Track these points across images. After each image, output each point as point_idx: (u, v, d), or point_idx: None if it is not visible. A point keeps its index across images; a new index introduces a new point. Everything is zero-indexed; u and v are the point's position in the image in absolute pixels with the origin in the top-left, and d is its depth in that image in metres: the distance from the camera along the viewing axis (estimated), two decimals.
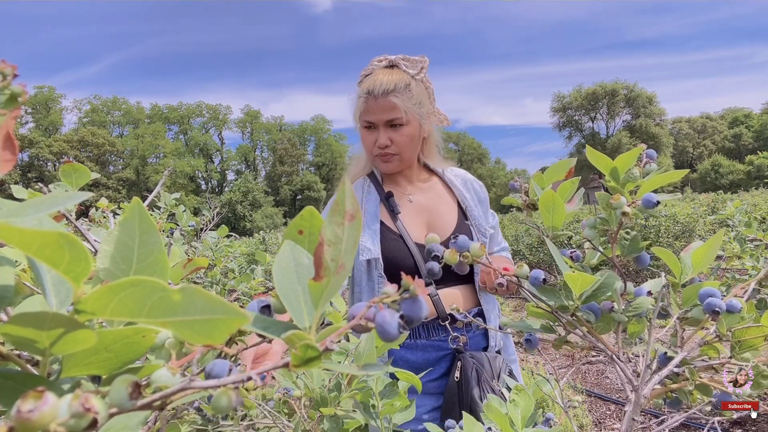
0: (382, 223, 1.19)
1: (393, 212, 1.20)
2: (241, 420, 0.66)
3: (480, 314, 1.19)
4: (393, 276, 1.16)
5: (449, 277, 1.17)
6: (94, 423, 0.17)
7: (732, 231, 2.33)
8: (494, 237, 1.30)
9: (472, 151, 58.12)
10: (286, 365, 0.20)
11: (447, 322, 1.14)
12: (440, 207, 1.23)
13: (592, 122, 49.65)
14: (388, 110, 1.12)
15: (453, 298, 1.18)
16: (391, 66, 1.16)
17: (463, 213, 1.24)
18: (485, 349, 1.20)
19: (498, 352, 1.20)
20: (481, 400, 1.02)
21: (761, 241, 2.16)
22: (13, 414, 0.15)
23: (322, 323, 0.30)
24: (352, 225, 0.22)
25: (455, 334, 1.15)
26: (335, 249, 0.22)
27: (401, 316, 0.23)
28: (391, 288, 0.24)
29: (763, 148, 46.00)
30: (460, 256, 0.52)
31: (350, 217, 0.22)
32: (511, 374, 1.15)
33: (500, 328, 1.21)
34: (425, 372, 0.88)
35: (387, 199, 1.22)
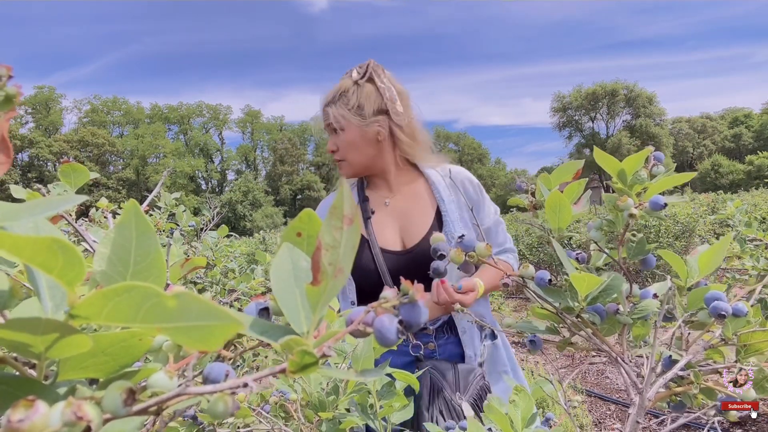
0: None
1: (364, 216, 1.21)
2: (239, 428, 0.65)
3: (449, 323, 1.15)
4: (357, 280, 1.17)
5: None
6: (87, 431, 0.17)
7: (732, 231, 2.33)
8: (493, 236, 1.25)
9: (472, 151, 58.09)
10: (282, 371, 0.20)
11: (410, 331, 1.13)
12: (415, 210, 1.21)
13: (592, 122, 49.64)
14: (325, 119, 1.19)
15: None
16: (348, 75, 1.19)
17: (440, 216, 1.20)
18: (462, 358, 1.14)
19: (481, 364, 1.14)
20: (428, 410, 1.00)
21: (761, 241, 2.16)
22: (3, 424, 0.15)
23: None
24: (351, 229, 0.22)
25: (417, 342, 1.12)
26: (333, 253, 0.21)
27: (400, 321, 0.22)
28: (390, 292, 0.24)
29: (763, 148, 45.97)
30: (465, 255, 0.52)
31: (348, 220, 0.21)
32: (483, 390, 1.07)
33: (492, 337, 1.17)
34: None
35: (362, 203, 1.23)
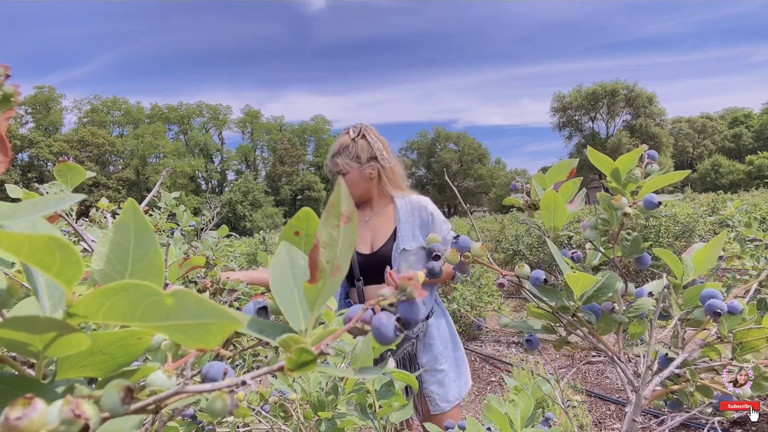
0: None
1: None
2: (238, 427, 0.65)
3: None
4: None
5: (373, 276, 1.60)
6: (86, 429, 0.17)
7: (732, 231, 2.32)
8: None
9: (472, 151, 57.85)
10: (281, 369, 0.20)
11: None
12: (380, 227, 1.67)
13: (592, 122, 49.61)
14: (334, 167, 1.68)
15: (374, 294, 1.51)
16: (345, 133, 1.69)
17: (396, 232, 1.63)
18: None
19: (417, 336, 1.57)
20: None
21: (761, 241, 2.15)
22: (1, 422, 0.15)
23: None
24: (348, 227, 0.22)
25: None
26: (331, 251, 0.21)
27: (398, 319, 0.22)
28: (388, 290, 0.24)
29: (763, 148, 45.94)
30: (461, 255, 0.52)
31: (346, 219, 0.21)
32: (409, 356, 1.56)
33: (427, 317, 1.58)
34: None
35: None
